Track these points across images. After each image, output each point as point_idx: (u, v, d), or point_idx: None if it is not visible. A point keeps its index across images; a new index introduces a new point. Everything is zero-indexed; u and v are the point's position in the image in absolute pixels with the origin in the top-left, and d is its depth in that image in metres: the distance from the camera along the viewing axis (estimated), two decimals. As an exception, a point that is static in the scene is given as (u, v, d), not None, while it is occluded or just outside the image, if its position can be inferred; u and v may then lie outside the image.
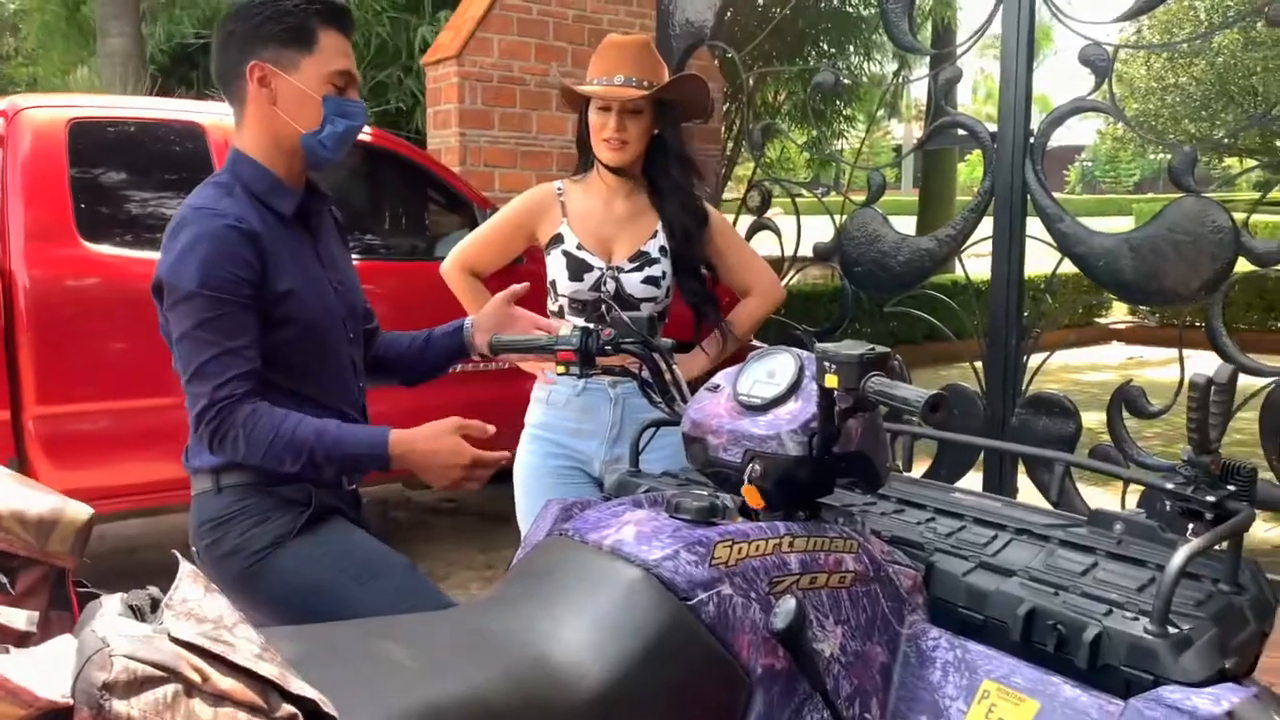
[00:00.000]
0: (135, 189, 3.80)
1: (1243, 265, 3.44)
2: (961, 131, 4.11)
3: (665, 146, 2.42)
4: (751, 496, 1.39)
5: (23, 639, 0.93)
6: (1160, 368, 9.41)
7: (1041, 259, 4.05)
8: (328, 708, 0.76)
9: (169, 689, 0.68)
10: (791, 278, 4.69)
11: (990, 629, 1.32)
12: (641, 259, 2.40)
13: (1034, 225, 3.81)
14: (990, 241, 3.91)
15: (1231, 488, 1.31)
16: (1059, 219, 3.75)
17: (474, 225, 4.46)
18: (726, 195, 9.04)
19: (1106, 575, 1.34)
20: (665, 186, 2.42)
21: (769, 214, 4.82)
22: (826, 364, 1.29)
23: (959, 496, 1.70)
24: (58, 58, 10.18)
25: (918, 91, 21.19)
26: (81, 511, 1.06)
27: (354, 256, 2.12)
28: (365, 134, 2.11)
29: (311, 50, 1.77)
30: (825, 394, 1.32)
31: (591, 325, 1.82)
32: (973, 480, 3.79)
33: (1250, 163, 15.36)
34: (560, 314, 2.40)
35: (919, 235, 4.41)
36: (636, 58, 2.35)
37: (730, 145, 8.39)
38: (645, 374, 1.82)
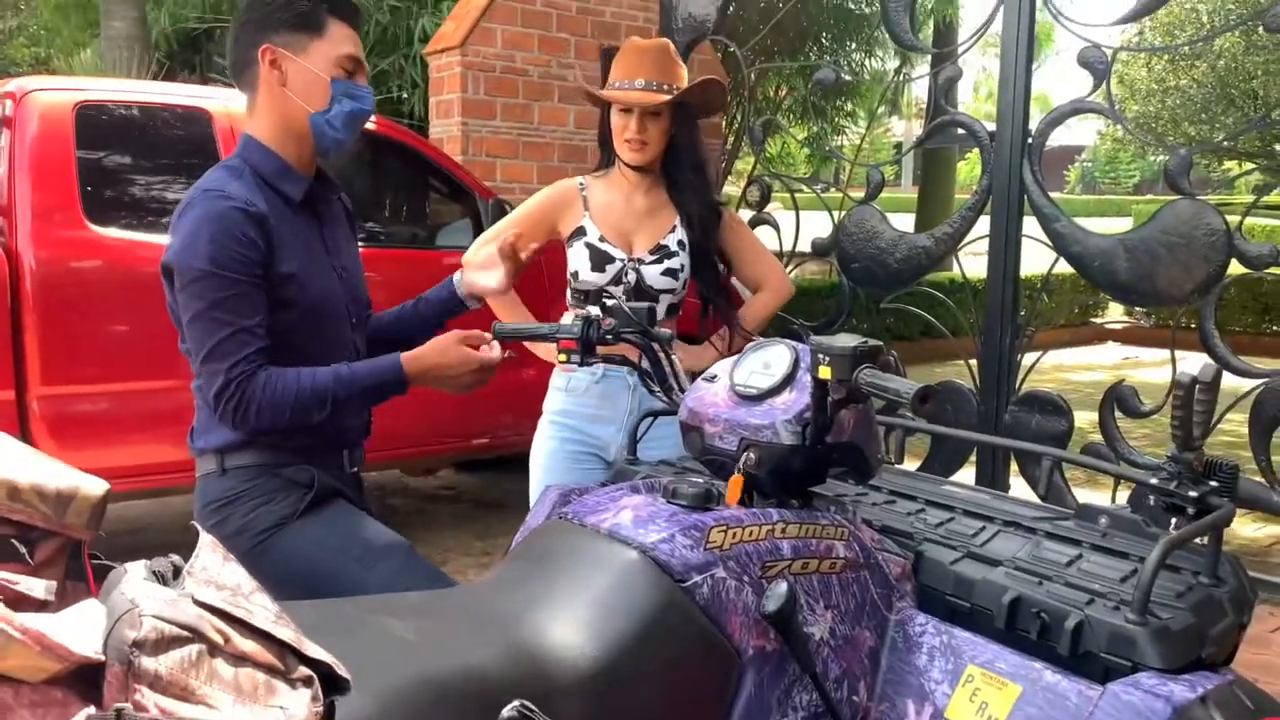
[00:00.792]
0: (141, 173, 3.83)
1: (1237, 268, 3.49)
2: (960, 130, 4.15)
3: (682, 145, 2.49)
4: (733, 492, 1.43)
5: (41, 607, 0.97)
6: (1154, 368, 9.45)
7: (1038, 258, 4.09)
8: (341, 671, 0.79)
9: (194, 648, 0.71)
10: (790, 273, 4.72)
11: (976, 616, 1.36)
12: (661, 251, 2.48)
13: (1031, 225, 3.85)
14: (987, 240, 3.95)
15: (1213, 484, 1.35)
16: (1055, 219, 3.79)
17: (476, 215, 4.50)
18: (726, 189, 9.06)
19: (1090, 566, 1.37)
20: (683, 183, 2.50)
21: (768, 209, 4.86)
22: (821, 356, 1.34)
23: (949, 489, 1.74)
24: (69, 35, 10.21)
25: (919, 89, 21.20)
26: (98, 486, 1.09)
27: (359, 244, 2.16)
28: (370, 122, 2.16)
29: (321, 35, 1.83)
30: (819, 385, 1.36)
31: (593, 314, 1.86)
32: (966, 476, 3.84)
33: (1249, 165, 15.40)
34: (581, 303, 2.46)
35: (917, 233, 4.44)
36: (657, 61, 2.42)
37: (731, 140, 8.41)
38: (645, 363, 1.86)
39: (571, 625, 1.20)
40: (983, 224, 3.99)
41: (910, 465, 2.00)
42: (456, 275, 2.14)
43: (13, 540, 1.02)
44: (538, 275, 2.69)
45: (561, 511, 1.44)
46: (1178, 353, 3.61)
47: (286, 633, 0.78)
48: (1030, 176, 3.80)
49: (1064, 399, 3.83)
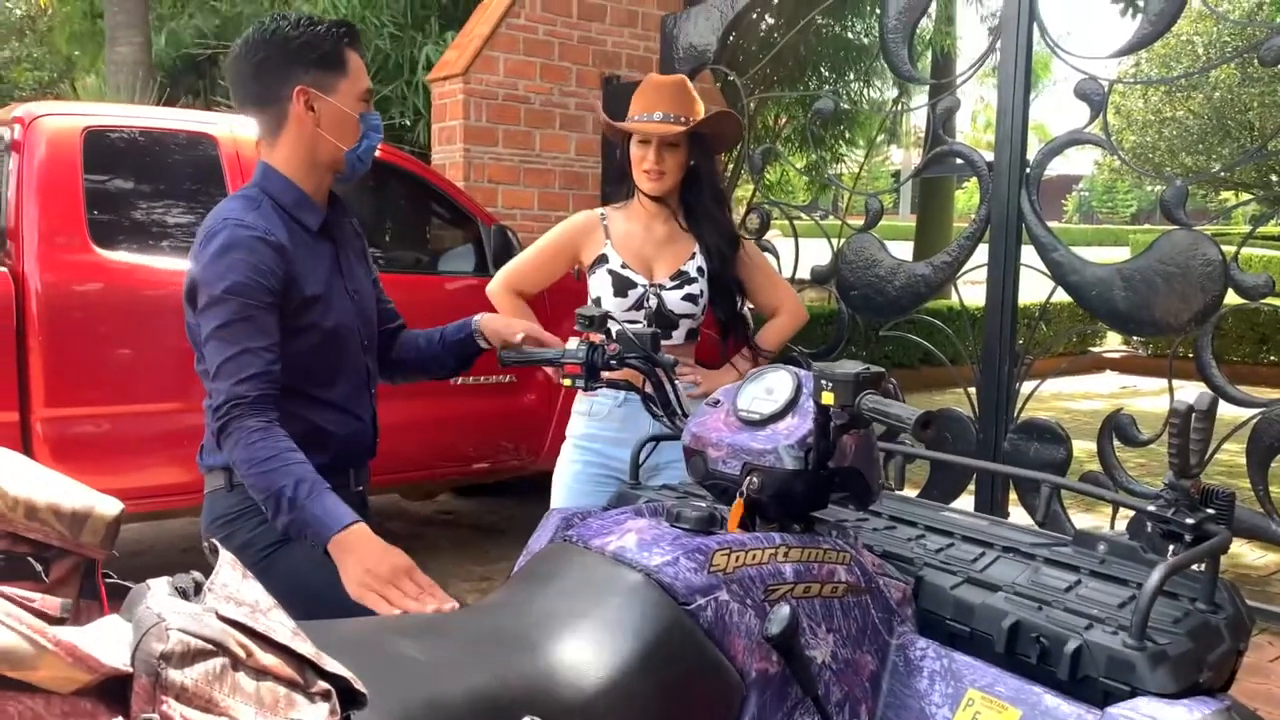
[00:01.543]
0: (147, 197, 3.86)
1: (1233, 298, 3.51)
2: (959, 160, 4.19)
3: (700, 176, 2.58)
4: (735, 516, 1.44)
5: (56, 625, 0.98)
6: (1152, 397, 9.48)
7: (1036, 287, 4.12)
8: (359, 686, 0.81)
9: (218, 662, 0.73)
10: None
11: (976, 640, 1.38)
12: (681, 278, 2.55)
13: (1029, 254, 3.88)
14: (985, 269, 3.98)
15: (1210, 511, 1.36)
16: (1053, 248, 3.82)
17: (478, 240, 4.53)
18: (727, 216, 9.09)
19: (1089, 592, 1.39)
20: (701, 213, 2.58)
21: (767, 236, 4.90)
22: (824, 382, 1.36)
23: (948, 515, 1.75)
24: (84, 65, 10.30)
25: (917, 118, 21.32)
26: (113, 506, 1.11)
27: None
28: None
29: (345, 72, 1.87)
30: (822, 410, 1.39)
31: (597, 340, 1.88)
32: (964, 503, 3.85)
33: (1245, 196, 15.48)
34: (587, 329, 2.49)
35: (916, 261, 4.47)
36: (674, 95, 2.50)
37: (731, 167, 8.46)
38: (649, 388, 1.89)
39: (576, 647, 1.21)
40: (981, 253, 4.02)
41: (909, 493, 2.01)
42: (475, 318, 2.13)
43: (29, 558, 1.04)
44: (538, 299, 2.73)
45: (566, 534, 1.46)
46: (1175, 382, 3.63)
47: (307, 647, 0.79)
48: (1028, 206, 3.83)
49: (1062, 427, 3.85)
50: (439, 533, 5.35)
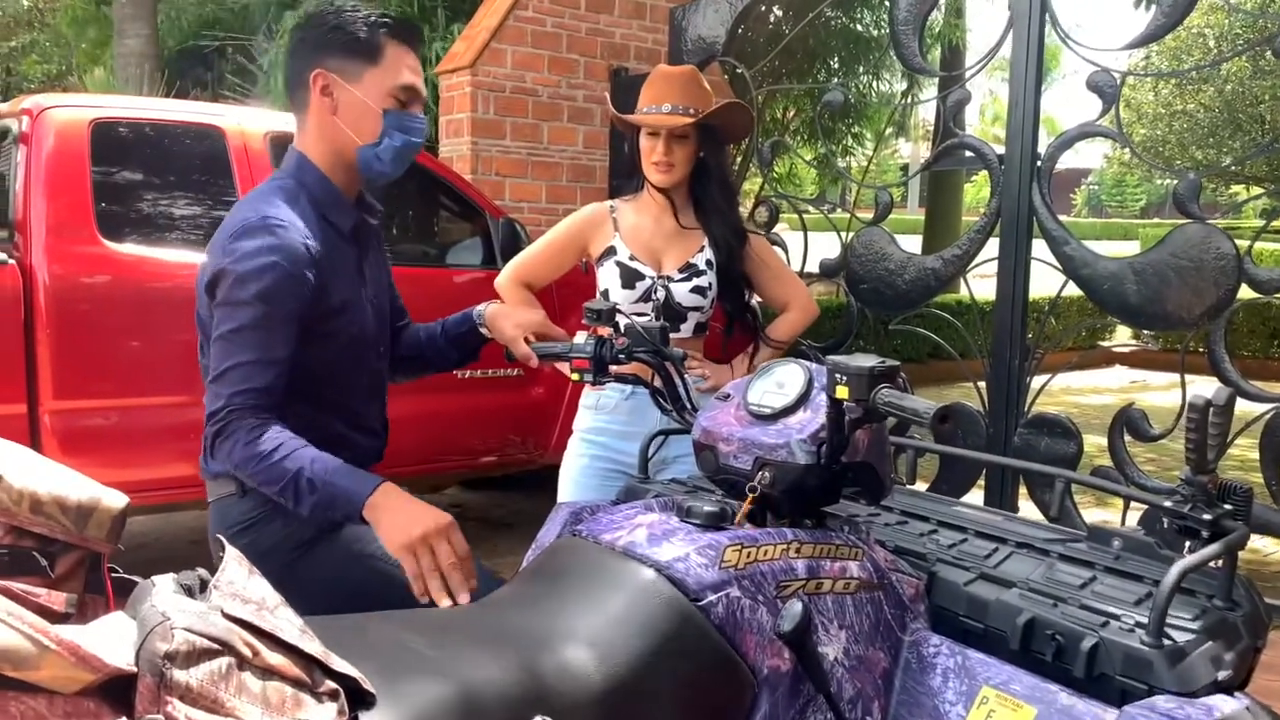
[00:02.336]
0: (155, 190, 3.85)
1: (1246, 292, 3.49)
2: (969, 153, 4.16)
3: (709, 168, 2.55)
4: (745, 511, 1.42)
5: (62, 620, 0.97)
6: (1162, 392, 9.45)
7: (1046, 281, 4.09)
8: (367, 685, 0.80)
9: (224, 661, 0.72)
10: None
11: (990, 637, 1.36)
12: (690, 270, 2.53)
13: (1039, 247, 3.86)
14: (996, 262, 3.95)
15: (1228, 507, 1.34)
16: (1064, 242, 3.80)
17: (486, 233, 4.52)
18: (735, 210, 9.07)
19: (1104, 589, 1.37)
20: (709, 206, 2.56)
21: (776, 229, 4.87)
22: (838, 375, 1.34)
23: (961, 510, 1.74)
24: (86, 50, 10.30)
25: (926, 111, 21.26)
26: (118, 499, 1.10)
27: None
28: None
29: (376, 62, 1.77)
30: (835, 404, 1.37)
31: (605, 334, 1.86)
32: (974, 498, 3.83)
33: (1256, 190, 15.41)
34: (595, 322, 2.48)
35: (925, 255, 4.45)
36: (683, 87, 2.47)
37: (739, 160, 8.44)
38: (658, 382, 1.87)
39: (587, 642, 1.20)
40: (991, 246, 3.99)
41: (918, 488, 2.00)
42: (479, 308, 2.10)
43: (34, 553, 1.03)
44: (545, 293, 2.72)
45: (575, 529, 1.44)
46: (1187, 377, 3.60)
47: (314, 646, 0.78)
48: (1039, 199, 3.80)
49: (1073, 421, 3.83)
50: (446, 526, 5.34)
